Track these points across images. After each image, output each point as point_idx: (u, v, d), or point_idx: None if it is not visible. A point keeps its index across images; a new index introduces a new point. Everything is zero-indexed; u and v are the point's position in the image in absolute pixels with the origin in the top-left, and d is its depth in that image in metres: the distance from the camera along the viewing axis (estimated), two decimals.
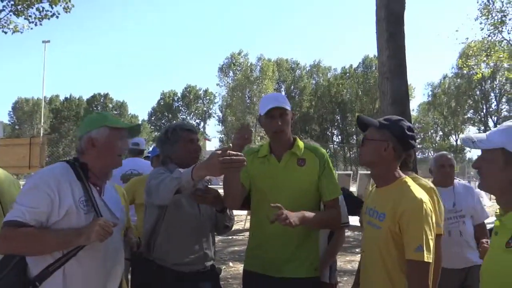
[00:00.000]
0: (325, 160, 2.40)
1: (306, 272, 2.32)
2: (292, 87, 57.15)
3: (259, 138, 38.65)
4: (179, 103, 64.51)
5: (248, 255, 2.48)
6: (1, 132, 2.57)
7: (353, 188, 10.72)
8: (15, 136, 39.10)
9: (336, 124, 59.16)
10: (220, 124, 55.87)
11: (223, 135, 53.36)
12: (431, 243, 1.85)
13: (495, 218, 1.49)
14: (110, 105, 62.64)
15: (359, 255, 2.34)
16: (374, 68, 49.46)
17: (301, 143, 2.45)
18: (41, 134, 22.30)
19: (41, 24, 11.11)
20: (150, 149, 3.99)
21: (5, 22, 10.43)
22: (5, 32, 10.50)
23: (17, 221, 1.70)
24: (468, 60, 18.70)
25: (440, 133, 58.52)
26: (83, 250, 1.79)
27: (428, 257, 1.81)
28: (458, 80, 52.50)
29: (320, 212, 2.38)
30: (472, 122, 53.92)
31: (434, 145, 56.78)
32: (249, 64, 43.49)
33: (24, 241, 1.72)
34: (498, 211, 1.49)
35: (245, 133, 2.25)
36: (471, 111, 54.58)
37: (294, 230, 2.20)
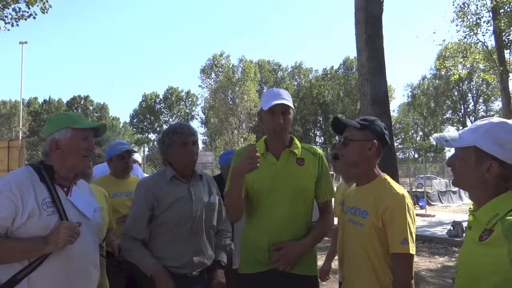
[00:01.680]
0: (322, 160, 2.39)
1: (308, 270, 2.29)
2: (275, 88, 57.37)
3: (242, 139, 38.63)
4: (161, 105, 64.00)
5: (246, 257, 2.34)
6: None
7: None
8: None
9: (318, 125, 59.63)
10: (203, 126, 55.65)
11: (206, 137, 53.15)
12: (414, 236, 1.92)
13: (469, 214, 1.54)
14: (91, 107, 61.80)
15: None
16: (354, 70, 50.01)
17: (298, 143, 2.41)
18: (20, 137, 21.82)
19: (17, 25, 10.91)
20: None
21: None
22: None
23: None
24: (446, 62, 19.10)
25: (420, 133, 59.53)
26: (50, 256, 1.78)
27: (413, 249, 1.89)
28: (437, 81, 53.52)
29: (314, 230, 2.31)
30: (451, 122, 55.03)
31: (414, 145, 57.79)
32: (231, 66, 43.45)
33: None
34: (471, 206, 1.54)
35: (253, 157, 2.04)
36: (450, 111, 55.70)
37: (294, 228, 2.25)
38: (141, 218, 2.43)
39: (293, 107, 2.35)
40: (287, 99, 2.30)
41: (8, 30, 10.81)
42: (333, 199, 2.53)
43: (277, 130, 2.28)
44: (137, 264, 2.37)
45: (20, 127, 27.63)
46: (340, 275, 2.92)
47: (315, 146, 2.53)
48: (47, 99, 60.78)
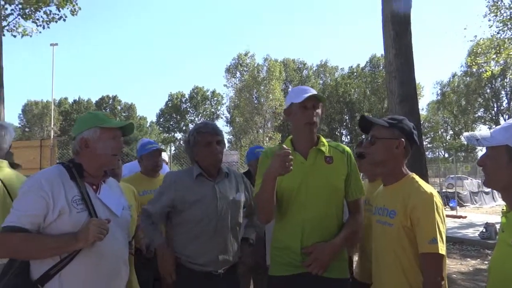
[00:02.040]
0: (351, 158, 2.35)
1: (341, 273, 2.25)
2: None
3: (267, 138, 38.63)
4: (187, 104, 64.69)
5: (276, 259, 2.30)
6: (13, 133, 2.58)
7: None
8: (25, 139, 39.54)
9: (344, 124, 58.91)
10: (228, 125, 55.88)
11: (231, 136, 53.43)
12: (444, 236, 1.87)
13: (501, 215, 1.49)
14: (119, 107, 63.11)
15: None
16: (381, 67, 49.17)
17: (325, 141, 2.37)
18: (51, 137, 22.57)
19: (48, 27, 11.24)
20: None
21: (13, 26, 10.56)
22: (14, 36, 10.63)
23: (13, 226, 1.76)
24: (477, 58, 18.48)
25: (451, 132, 57.93)
26: (80, 252, 1.82)
27: (442, 249, 1.83)
28: (468, 78, 51.88)
29: (344, 230, 2.26)
30: (483, 120, 53.30)
31: (444, 144, 56.28)
32: (256, 65, 43.47)
33: (21, 246, 1.77)
34: (504, 208, 1.48)
35: (286, 160, 1.99)
36: (482, 109, 53.95)
37: (326, 229, 2.21)
38: (161, 202, 2.52)
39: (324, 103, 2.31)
40: (319, 94, 2.27)
41: (40, 32, 11.16)
42: None
43: (308, 123, 2.24)
44: (147, 237, 2.57)
45: (52, 126, 28.52)
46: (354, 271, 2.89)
47: (342, 144, 2.48)
48: (77, 99, 62.44)
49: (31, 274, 1.84)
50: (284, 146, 2.06)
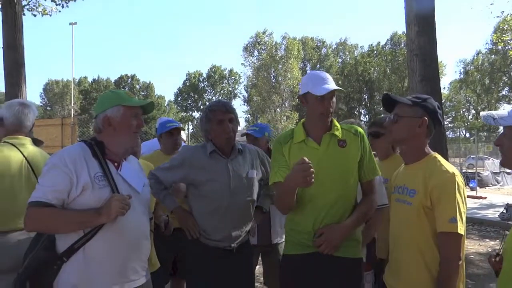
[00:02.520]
0: (364, 139, 2.34)
1: (353, 253, 2.29)
2: (318, 66, 56.24)
3: (284, 117, 38.48)
4: (204, 83, 64.66)
5: (291, 240, 2.36)
6: (36, 111, 2.66)
7: None
8: (47, 117, 40.36)
9: (363, 103, 58.06)
10: (246, 104, 55.83)
11: (248, 115, 53.40)
12: (464, 216, 1.86)
13: None
14: (137, 86, 63.50)
15: None
16: (402, 45, 47.97)
17: (338, 124, 2.38)
18: (72, 115, 22.96)
19: (67, 6, 11.25)
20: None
21: (33, 5, 10.62)
22: (34, 15, 10.70)
23: (40, 202, 1.82)
24: (504, 35, 17.84)
25: (473, 111, 56.57)
26: (103, 227, 1.87)
27: (461, 229, 1.82)
28: (493, 56, 50.20)
29: (356, 211, 2.29)
30: (507, 99, 51.80)
31: (466, 124, 55.09)
32: (274, 43, 42.95)
33: (47, 221, 1.84)
34: None
35: (307, 175, 1.96)
36: (506, 88, 52.35)
37: (339, 212, 2.24)
38: (173, 175, 2.59)
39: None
40: (335, 84, 2.28)
41: (59, 11, 11.19)
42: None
43: (323, 115, 2.26)
44: (160, 201, 2.68)
45: (72, 105, 28.96)
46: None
47: (355, 125, 2.47)
48: (96, 78, 63.08)
49: (57, 248, 1.91)
50: (305, 158, 1.99)
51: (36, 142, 3.06)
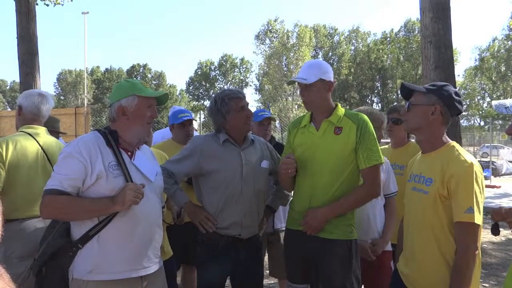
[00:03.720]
0: (363, 127, 2.35)
1: (343, 235, 2.37)
2: (330, 53, 55.68)
3: (296, 106, 38.30)
4: (216, 72, 64.57)
5: (290, 215, 2.58)
6: (52, 101, 2.70)
7: None
8: (61, 107, 40.79)
9: (376, 91, 57.34)
10: (257, 92, 55.61)
11: (260, 104, 53.24)
12: (481, 206, 1.84)
13: None
14: (149, 75, 63.71)
15: None
16: (416, 32, 47.12)
17: (341, 111, 2.43)
18: (85, 104, 23.16)
19: None
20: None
21: None
22: (47, 5, 10.76)
23: (55, 189, 1.85)
24: None
25: (488, 99, 55.55)
26: (117, 215, 1.91)
27: (478, 219, 1.81)
28: (509, 42, 49.05)
29: (343, 197, 2.35)
30: None
31: (480, 112, 54.16)
32: (285, 31, 42.55)
33: (62, 208, 1.87)
34: None
35: (289, 168, 2.36)
36: None
37: (334, 195, 2.35)
38: (185, 165, 2.56)
39: (312, 82, 2.38)
40: (307, 74, 2.38)
41: (71, 1, 11.23)
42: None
43: (304, 104, 2.49)
44: (170, 198, 2.64)
45: (85, 94, 29.15)
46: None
47: (361, 113, 2.48)
48: (109, 68, 63.43)
49: (72, 235, 1.96)
50: (290, 153, 2.44)
51: (60, 133, 3.12)
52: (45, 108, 2.93)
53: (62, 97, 59.17)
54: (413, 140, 3.25)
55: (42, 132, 2.89)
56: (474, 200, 1.81)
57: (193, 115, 3.83)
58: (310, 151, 2.41)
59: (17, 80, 9.25)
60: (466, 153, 1.96)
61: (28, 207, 2.65)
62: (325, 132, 2.39)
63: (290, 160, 2.35)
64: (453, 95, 2.02)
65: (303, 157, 2.42)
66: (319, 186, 2.37)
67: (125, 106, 2.04)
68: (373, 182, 2.36)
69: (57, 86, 60.70)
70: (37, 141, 2.80)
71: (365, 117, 2.41)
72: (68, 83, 59.19)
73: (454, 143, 2.04)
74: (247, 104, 2.62)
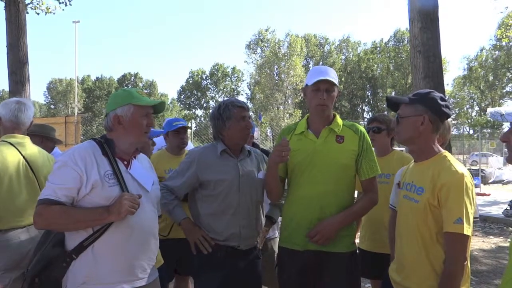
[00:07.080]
0: (364, 138, 2.38)
1: (346, 247, 2.35)
2: (321, 63, 56.10)
3: (288, 115, 38.43)
4: (207, 81, 64.64)
5: (284, 232, 2.46)
6: (33, 108, 2.64)
7: None
8: (51, 116, 40.48)
9: (366, 100, 57.85)
10: (249, 101, 55.71)
11: (252, 113, 53.29)
12: (471, 217, 1.85)
13: None
14: (140, 84, 63.53)
15: None
16: (406, 42, 47.74)
17: (340, 120, 2.44)
18: (76, 113, 23.02)
19: (70, 4, 11.26)
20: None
21: (37, 3, 10.62)
22: (38, 13, 10.71)
23: (49, 199, 1.83)
24: (508, 31, 17.71)
25: (477, 108, 56.25)
26: (112, 225, 1.88)
27: (468, 230, 1.82)
28: (497, 52, 49.87)
29: (350, 207, 2.35)
30: (511, 96, 51.46)
31: (469, 121, 54.81)
32: (276, 41, 42.84)
33: (56, 218, 1.84)
34: None
35: (283, 150, 2.25)
36: (510, 84, 51.95)
37: (333, 207, 2.30)
38: (183, 178, 2.55)
39: (338, 85, 2.36)
40: (333, 77, 2.31)
41: (63, 10, 11.19)
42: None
43: (319, 106, 2.32)
44: (168, 214, 2.59)
45: (75, 103, 28.94)
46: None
47: (358, 124, 2.51)
48: (99, 76, 63.13)
49: (66, 245, 1.93)
50: (285, 137, 2.31)
51: (56, 141, 3.08)
52: (24, 115, 2.84)
53: (52, 106, 58.77)
54: (397, 148, 3.28)
55: (24, 141, 2.82)
56: (464, 211, 1.82)
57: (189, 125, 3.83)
58: (309, 158, 2.34)
59: (7, 89, 9.16)
60: (457, 164, 1.97)
61: (11, 217, 2.60)
62: (326, 140, 2.36)
63: (285, 142, 2.24)
64: (439, 101, 2.02)
65: (301, 164, 2.36)
66: (320, 194, 2.30)
67: (120, 115, 2.02)
68: (376, 191, 2.43)
69: (47, 95, 60.31)
70: (18, 151, 2.74)
71: (363, 128, 2.44)
72: (58, 92, 58.78)
73: (446, 152, 2.05)
74: (249, 116, 2.63)
